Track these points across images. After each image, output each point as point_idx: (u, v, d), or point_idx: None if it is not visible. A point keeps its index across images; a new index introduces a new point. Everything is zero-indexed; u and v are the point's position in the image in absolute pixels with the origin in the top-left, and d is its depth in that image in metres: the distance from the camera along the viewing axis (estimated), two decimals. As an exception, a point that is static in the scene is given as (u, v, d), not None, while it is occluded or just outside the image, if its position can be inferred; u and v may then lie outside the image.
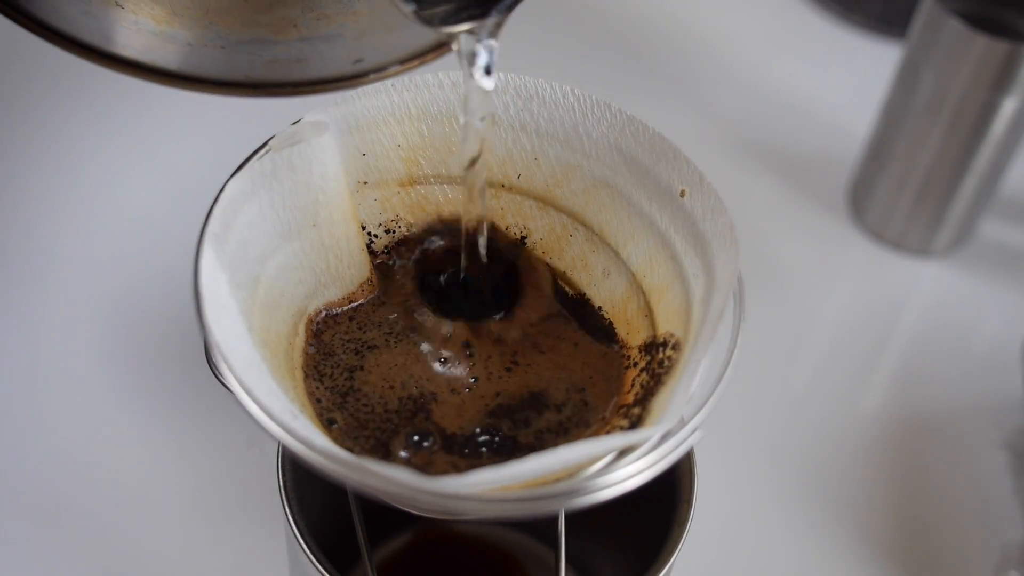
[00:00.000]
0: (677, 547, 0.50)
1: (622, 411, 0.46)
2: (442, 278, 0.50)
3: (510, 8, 0.46)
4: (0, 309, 0.73)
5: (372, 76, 0.58)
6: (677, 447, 0.41)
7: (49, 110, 0.85)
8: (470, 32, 0.46)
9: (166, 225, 0.79)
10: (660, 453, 0.41)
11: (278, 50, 0.55)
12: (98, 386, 0.70)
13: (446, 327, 0.49)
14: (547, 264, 0.51)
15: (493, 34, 0.45)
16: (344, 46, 0.56)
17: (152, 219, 0.79)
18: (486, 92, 0.46)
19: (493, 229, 0.51)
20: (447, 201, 0.52)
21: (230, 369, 0.40)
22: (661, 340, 0.47)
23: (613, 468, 0.41)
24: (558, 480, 0.41)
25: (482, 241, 0.49)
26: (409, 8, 0.45)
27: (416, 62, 0.59)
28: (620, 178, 0.50)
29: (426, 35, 0.59)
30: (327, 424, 0.45)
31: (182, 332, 0.72)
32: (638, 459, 0.41)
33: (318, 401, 0.46)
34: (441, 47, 0.59)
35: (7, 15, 0.54)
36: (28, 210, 0.79)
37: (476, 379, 0.48)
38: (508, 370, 0.48)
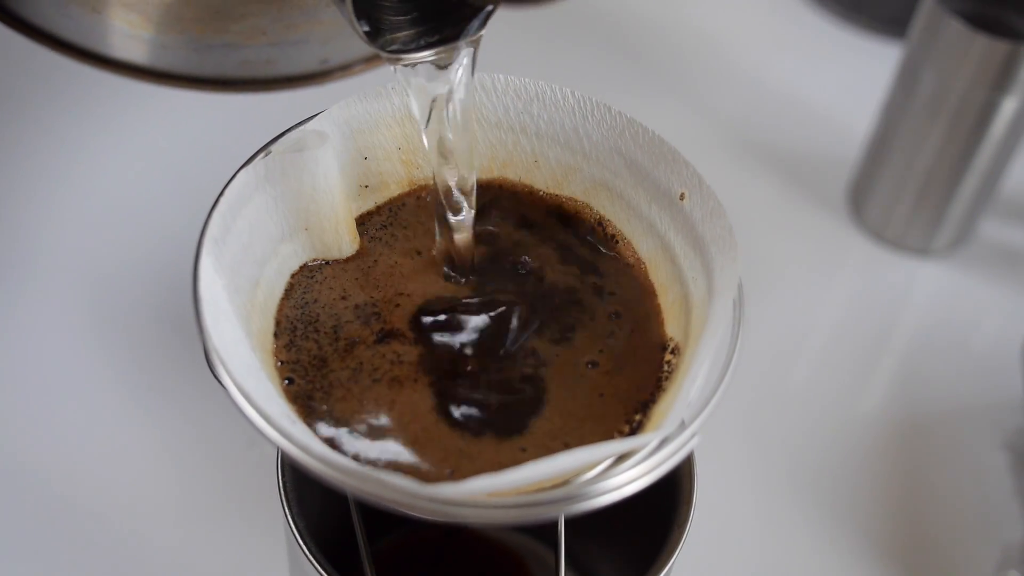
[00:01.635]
0: (677, 547, 0.50)
1: (625, 416, 0.46)
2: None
3: (481, 26, 0.46)
4: (3, 308, 0.73)
5: (337, 74, 0.60)
6: (676, 453, 0.41)
7: (47, 111, 0.85)
8: (434, 63, 0.46)
9: (167, 225, 0.79)
10: (659, 459, 0.41)
11: (248, 53, 0.56)
12: (98, 386, 0.71)
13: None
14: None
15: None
16: (311, 49, 0.57)
17: (153, 218, 0.79)
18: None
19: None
20: None
21: (228, 374, 0.40)
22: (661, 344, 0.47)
23: (612, 473, 0.41)
24: (556, 485, 0.41)
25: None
26: (363, 29, 0.45)
27: (381, 61, 0.60)
28: (620, 180, 0.50)
29: None
30: (285, 383, 0.45)
31: (182, 332, 0.72)
32: (637, 464, 0.41)
33: (280, 363, 0.45)
34: None
35: None
36: (27, 210, 0.79)
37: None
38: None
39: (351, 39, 0.56)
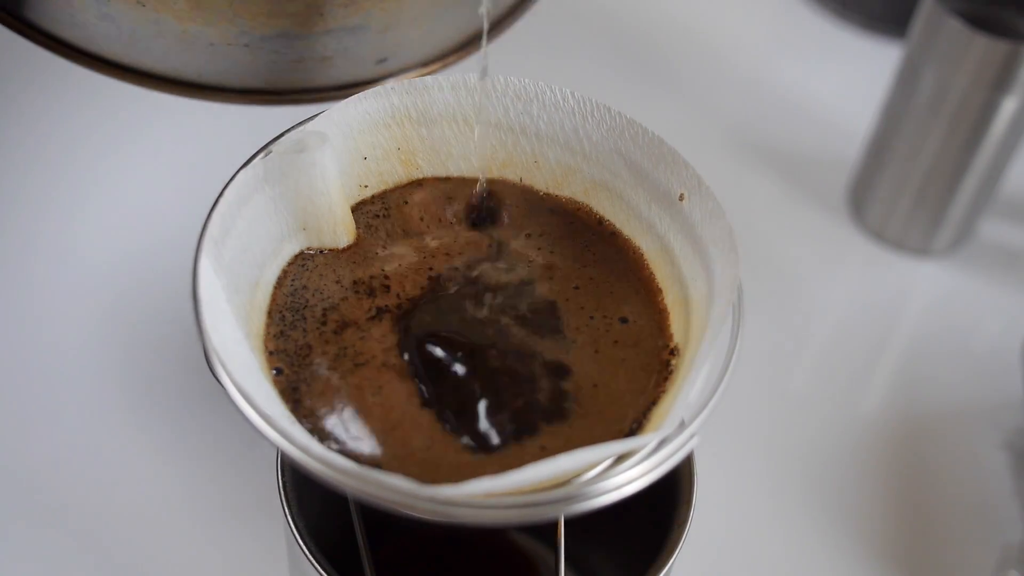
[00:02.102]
0: (677, 547, 0.50)
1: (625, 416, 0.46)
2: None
3: None
4: (1, 310, 0.73)
5: (393, 81, 0.57)
6: (675, 453, 0.41)
7: (46, 111, 0.85)
8: None
9: (167, 225, 0.79)
10: (659, 459, 0.41)
11: (302, 47, 0.53)
12: (99, 386, 0.71)
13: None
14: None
15: None
16: (369, 41, 0.54)
17: (153, 219, 0.80)
18: None
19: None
20: None
21: (228, 375, 0.40)
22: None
23: (611, 474, 0.41)
24: (556, 485, 0.41)
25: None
26: None
27: (438, 64, 0.58)
28: (620, 181, 0.50)
29: (450, 35, 0.58)
30: (274, 372, 0.45)
31: (182, 332, 0.72)
32: (636, 464, 0.41)
33: (271, 353, 0.45)
34: (462, 50, 0.59)
35: (22, 33, 0.53)
36: (28, 210, 0.79)
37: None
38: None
39: (411, 30, 0.54)
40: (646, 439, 0.41)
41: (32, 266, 0.76)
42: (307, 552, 0.48)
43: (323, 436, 0.43)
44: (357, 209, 0.50)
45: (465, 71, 0.51)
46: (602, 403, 0.46)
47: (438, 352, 0.46)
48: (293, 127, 0.48)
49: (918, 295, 0.84)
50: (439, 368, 0.46)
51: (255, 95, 0.55)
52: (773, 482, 0.72)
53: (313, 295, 0.47)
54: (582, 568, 0.64)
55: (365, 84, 0.56)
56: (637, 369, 0.47)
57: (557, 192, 0.52)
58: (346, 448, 0.43)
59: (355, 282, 0.48)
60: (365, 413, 0.44)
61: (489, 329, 0.47)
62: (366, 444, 0.43)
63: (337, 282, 0.48)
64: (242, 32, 0.52)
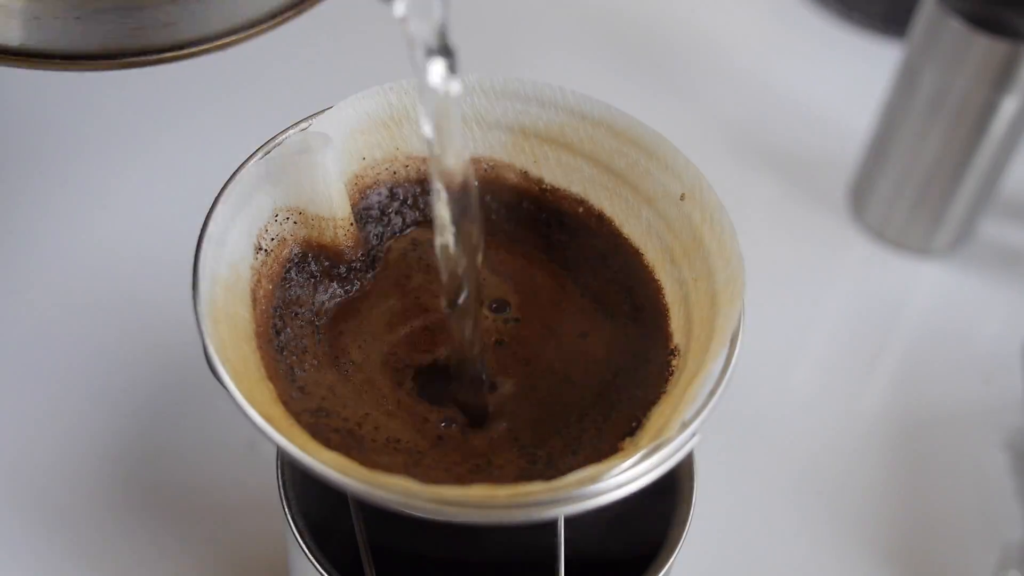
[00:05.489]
0: (677, 547, 0.50)
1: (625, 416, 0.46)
2: None
3: None
4: (1, 310, 0.73)
5: (243, 34, 0.53)
6: (676, 452, 0.41)
7: (43, 108, 0.85)
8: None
9: (168, 223, 0.78)
10: (658, 458, 0.41)
11: (143, 16, 0.49)
12: (99, 386, 0.71)
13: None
14: None
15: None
16: (217, 4, 0.50)
17: (152, 217, 0.80)
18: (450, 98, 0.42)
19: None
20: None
21: (229, 375, 0.41)
22: (660, 346, 0.47)
23: (612, 473, 0.41)
24: (555, 486, 0.41)
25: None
26: None
27: (292, 12, 0.54)
28: (620, 181, 0.50)
29: None
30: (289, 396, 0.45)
31: (182, 331, 0.72)
32: (636, 464, 0.41)
33: (271, 352, 0.45)
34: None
35: None
36: (28, 208, 0.79)
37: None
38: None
39: None
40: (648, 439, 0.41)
41: (32, 267, 0.76)
42: (307, 552, 0.48)
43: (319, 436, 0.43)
44: (359, 212, 0.50)
45: (465, 70, 0.51)
46: (599, 402, 0.46)
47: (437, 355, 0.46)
48: (291, 126, 0.48)
49: (918, 295, 0.84)
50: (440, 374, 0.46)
51: (85, 61, 0.50)
52: (773, 482, 0.72)
53: (313, 301, 0.48)
54: (581, 568, 0.63)
55: (212, 41, 0.52)
56: (634, 370, 0.47)
57: (557, 191, 0.52)
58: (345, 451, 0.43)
59: (347, 286, 0.48)
60: (371, 417, 0.44)
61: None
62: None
63: (335, 293, 0.48)
64: (71, 6, 0.48)
